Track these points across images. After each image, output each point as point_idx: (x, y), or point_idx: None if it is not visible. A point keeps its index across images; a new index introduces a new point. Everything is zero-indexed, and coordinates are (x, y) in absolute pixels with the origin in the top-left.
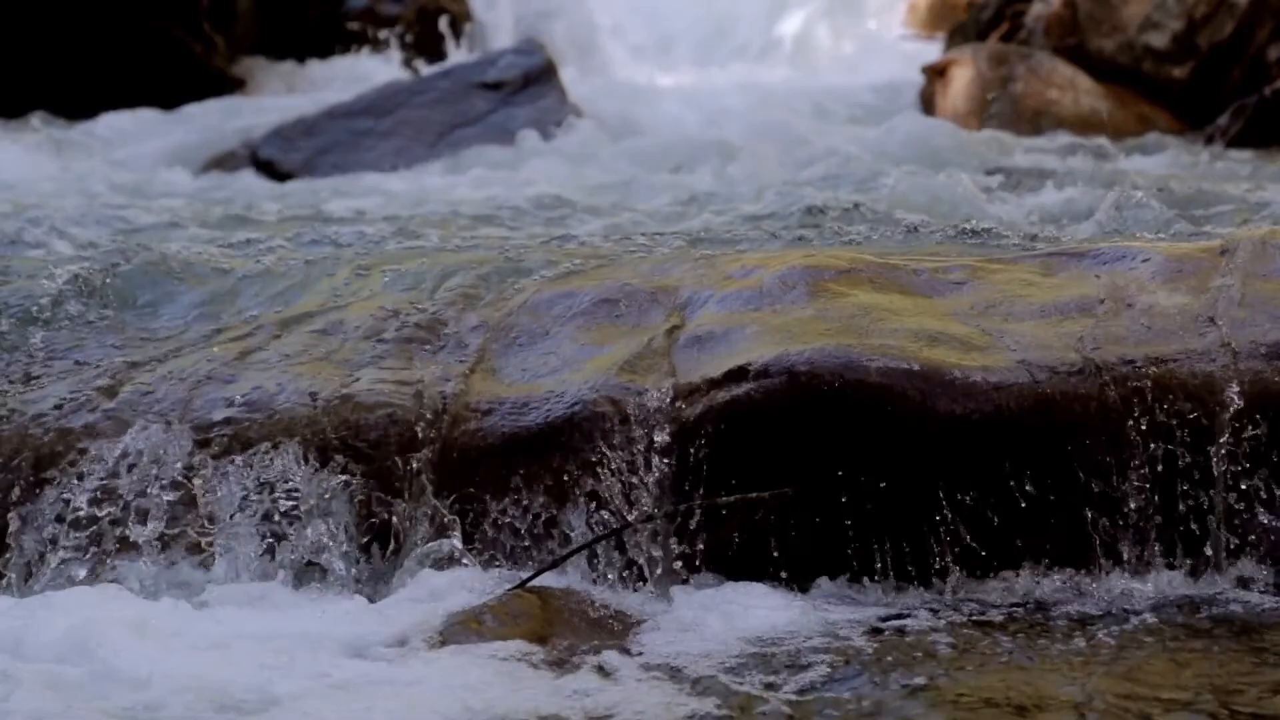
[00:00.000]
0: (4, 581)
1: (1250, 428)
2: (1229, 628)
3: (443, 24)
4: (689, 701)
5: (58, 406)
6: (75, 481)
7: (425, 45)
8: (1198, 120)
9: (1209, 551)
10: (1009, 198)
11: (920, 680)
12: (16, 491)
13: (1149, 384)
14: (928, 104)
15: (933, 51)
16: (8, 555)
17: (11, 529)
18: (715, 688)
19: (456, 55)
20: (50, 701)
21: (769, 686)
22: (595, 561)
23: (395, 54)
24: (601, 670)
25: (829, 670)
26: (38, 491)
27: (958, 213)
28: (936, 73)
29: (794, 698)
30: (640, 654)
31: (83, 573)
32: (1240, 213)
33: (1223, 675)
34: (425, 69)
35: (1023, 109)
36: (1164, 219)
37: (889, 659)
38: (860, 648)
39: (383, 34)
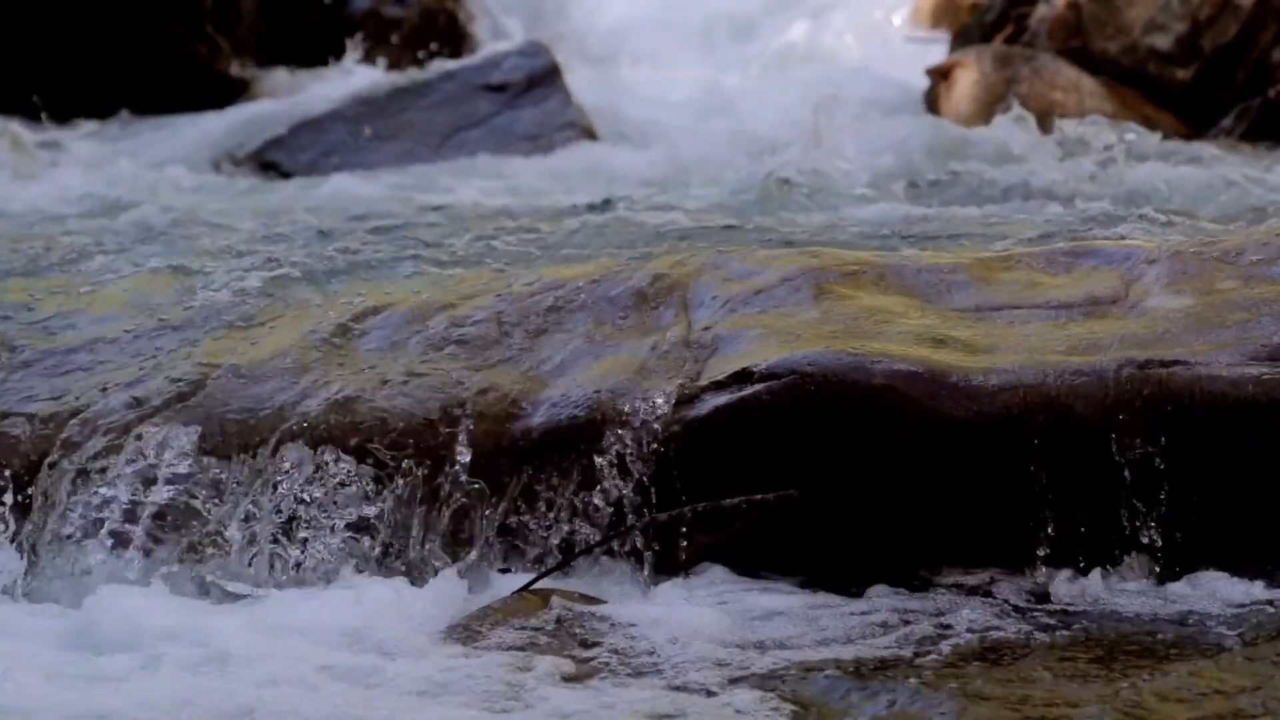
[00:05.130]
0: None
1: (1257, 430)
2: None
3: (447, 26)
4: (693, 703)
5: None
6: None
7: (429, 47)
8: (1202, 122)
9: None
10: (1012, 199)
11: (920, 686)
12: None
13: (1154, 386)
14: (932, 106)
15: (938, 52)
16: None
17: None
18: (719, 689)
19: (460, 57)
20: None
21: (772, 689)
22: (600, 563)
23: (399, 56)
24: (603, 672)
25: (833, 672)
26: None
27: (962, 214)
28: (941, 75)
29: (796, 700)
30: (643, 654)
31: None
32: (1244, 214)
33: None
34: (429, 71)
35: (1027, 111)
36: (1168, 220)
37: (889, 663)
38: (862, 650)
39: (387, 36)
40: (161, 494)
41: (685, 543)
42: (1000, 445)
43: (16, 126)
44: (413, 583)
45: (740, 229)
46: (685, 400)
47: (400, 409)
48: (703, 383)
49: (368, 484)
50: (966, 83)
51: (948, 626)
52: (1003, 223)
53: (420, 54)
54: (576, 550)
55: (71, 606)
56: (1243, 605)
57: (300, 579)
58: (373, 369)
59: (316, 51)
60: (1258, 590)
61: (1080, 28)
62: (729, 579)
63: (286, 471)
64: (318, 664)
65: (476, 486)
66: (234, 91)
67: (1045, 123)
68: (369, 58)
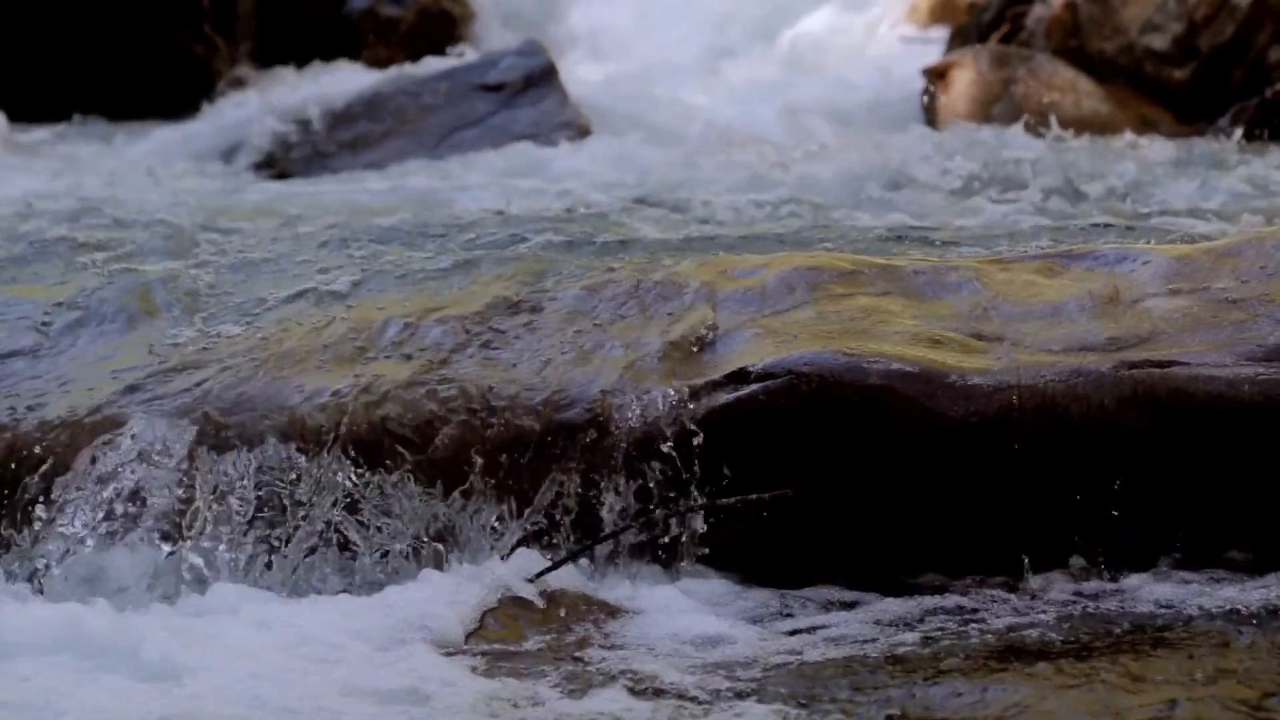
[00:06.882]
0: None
1: (1253, 430)
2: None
3: (444, 25)
4: (696, 705)
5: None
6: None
7: (426, 47)
8: (1199, 122)
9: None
10: (1009, 200)
11: (930, 688)
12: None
13: (1151, 386)
14: (929, 106)
15: (934, 52)
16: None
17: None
18: (717, 690)
19: (458, 57)
20: None
21: (776, 690)
22: (597, 561)
23: (396, 56)
24: (601, 673)
25: (837, 674)
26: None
27: (959, 215)
28: (937, 75)
29: (802, 701)
30: (643, 656)
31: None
32: (1241, 214)
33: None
34: (426, 71)
35: (1024, 111)
36: (1164, 221)
37: (896, 663)
38: (867, 650)
39: (384, 36)
40: (166, 498)
41: (683, 541)
42: (996, 445)
43: (7, 126)
44: (413, 582)
45: (737, 230)
46: (681, 399)
47: (406, 410)
48: (699, 381)
49: (376, 486)
50: (963, 83)
51: (952, 626)
52: (999, 224)
53: (417, 54)
54: (573, 550)
55: (78, 613)
56: (1242, 603)
57: (311, 583)
58: (379, 370)
59: (313, 51)
60: (1255, 587)
61: (1077, 27)
62: (727, 578)
63: (293, 474)
64: (336, 675)
65: (479, 486)
66: (230, 91)
67: (1042, 123)
68: (366, 58)
